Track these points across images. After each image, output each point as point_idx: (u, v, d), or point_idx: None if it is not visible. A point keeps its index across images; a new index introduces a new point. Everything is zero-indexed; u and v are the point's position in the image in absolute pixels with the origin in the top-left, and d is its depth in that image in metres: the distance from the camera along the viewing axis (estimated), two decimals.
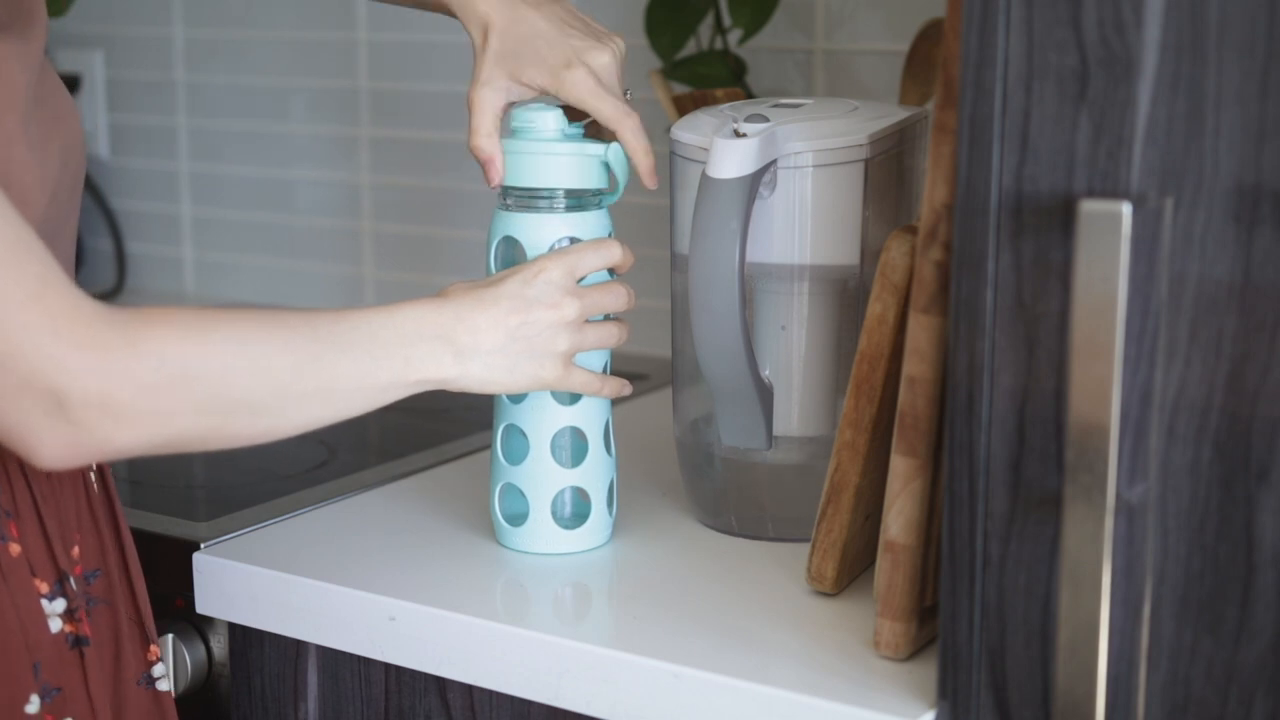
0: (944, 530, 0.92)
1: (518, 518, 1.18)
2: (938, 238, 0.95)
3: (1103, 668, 0.86)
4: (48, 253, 0.91)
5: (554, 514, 1.17)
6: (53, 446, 0.91)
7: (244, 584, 1.17)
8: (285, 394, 0.98)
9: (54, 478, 1.03)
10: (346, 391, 1.01)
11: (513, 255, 1.15)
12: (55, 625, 1.01)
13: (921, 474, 0.98)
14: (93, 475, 1.08)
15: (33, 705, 0.99)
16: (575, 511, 1.20)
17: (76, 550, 1.04)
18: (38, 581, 1.01)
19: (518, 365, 1.08)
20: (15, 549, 1.00)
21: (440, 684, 1.12)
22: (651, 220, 1.60)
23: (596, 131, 1.18)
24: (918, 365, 0.97)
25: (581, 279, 1.11)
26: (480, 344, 1.06)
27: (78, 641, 1.02)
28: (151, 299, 2.07)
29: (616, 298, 1.13)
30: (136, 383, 0.91)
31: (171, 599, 1.22)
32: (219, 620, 1.20)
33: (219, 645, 1.21)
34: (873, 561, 1.07)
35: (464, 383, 1.06)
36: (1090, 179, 0.85)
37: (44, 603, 1.01)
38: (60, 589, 1.02)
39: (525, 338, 1.08)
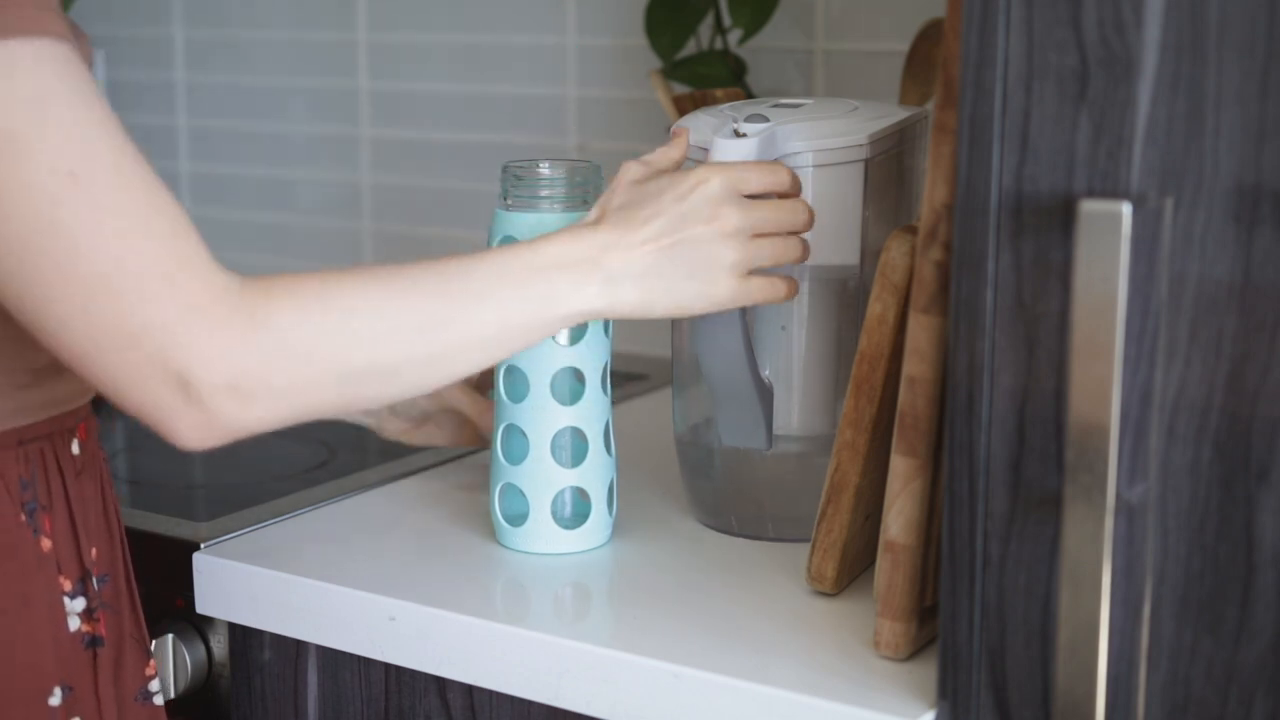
0: (944, 530, 0.92)
1: (518, 518, 1.18)
2: (938, 238, 0.95)
3: (1103, 668, 0.86)
4: (189, 225, 0.91)
5: (554, 514, 1.17)
6: (188, 428, 0.90)
7: (244, 584, 1.17)
8: (415, 357, 0.96)
9: (82, 478, 1.04)
10: (483, 341, 0.98)
11: None
12: (74, 624, 1.02)
13: (921, 474, 0.98)
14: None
15: (55, 698, 1.00)
16: (575, 511, 1.20)
17: (94, 552, 1.04)
18: (62, 579, 1.01)
19: (677, 285, 1.03)
20: (46, 544, 1.00)
21: (440, 684, 1.12)
22: None
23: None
24: (918, 365, 0.97)
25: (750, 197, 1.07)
26: (630, 267, 1.02)
27: (93, 642, 1.03)
28: None
29: (796, 213, 1.08)
30: (264, 364, 0.90)
31: (171, 599, 1.22)
32: (219, 620, 1.20)
33: (219, 645, 1.21)
34: (873, 561, 1.07)
35: (619, 310, 1.02)
36: (1090, 179, 0.85)
37: (66, 600, 1.01)
38: (82, 588, 1.02)
39: (683, 255, 1.02)
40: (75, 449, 1.04)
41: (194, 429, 0.90)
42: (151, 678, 1.09)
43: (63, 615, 1.01)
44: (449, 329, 0.97)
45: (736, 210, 1.04)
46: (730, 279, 1.05)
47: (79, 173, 0.87)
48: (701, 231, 1.03)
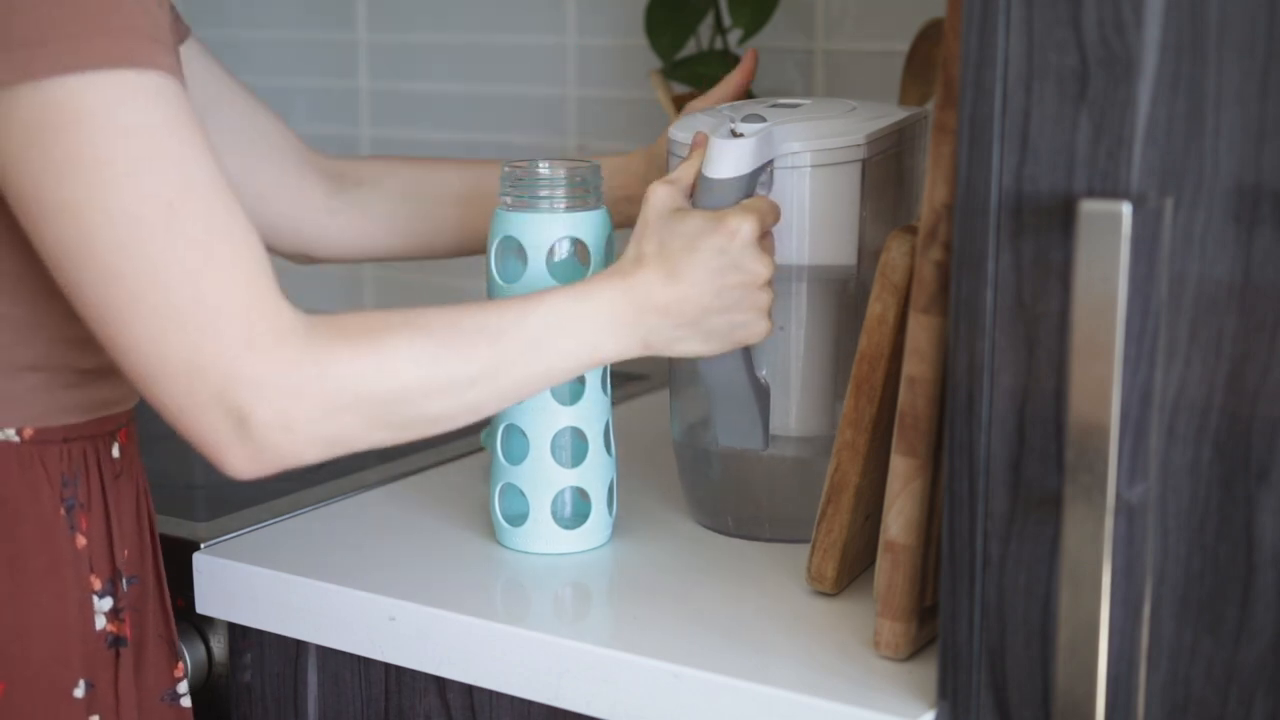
0: (944, 530, 0.92)
1: (518, 518, 1.18)
2: (938, 238, 0.95)
3: (1103, 668, 0.86)
4: (266, 261, 0.93)
5: (554, 514, 1.17)
6: (239, 458, 0.92)
7: (244, 584, 1.17)
8: (461, 406, 0.98)
9: (120, 480, 1.06)
10: (526, 387, 1.02)
11: (512, 255, 1.16)
12: (100, 623, 1.03)
13: (921, 474, 0.98)
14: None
15: (80, 690, 1.02)
16: (575, 511, 1.20)
17: (126, 553, 1.06)
18: (93, 577, 1.03)
19: (716, 333, 1.06)
20: (81, 541, 1.02)
21: (440, 684, 1.12)
22: None
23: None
24: (918, 365, 0.97)
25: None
26: (674, 317, 1.05)
27: (116, 641, 1.04)
28: None
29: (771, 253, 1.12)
30: (317, 406, 0.92)
31: (172, 599, 1.22)
32: (219, 620, 1.20)
33: (219, 645, 1.21)
34: (873, 561, 1.07)
35: (653, 351, 1.06)
36: (1090, 179, 0.85)
37: (94, 599, 1.03)
38: (111, 588, 1.04)
39: (724, 308, 1.06)
40: (116, 452, 1.06)
41: (244, 460, 0.93)
42: (180, 679, 1.11)
43: (90, 613, 1.03)
44: (497, 379, 0.99)
45: (768, 258, 1.07)
46: (764, 320, 1.08)
47: (175, 204, 0.90)
48: (743, 281, 1.06)
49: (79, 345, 1.00)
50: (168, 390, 0.91)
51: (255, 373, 0.90)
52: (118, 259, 0.89)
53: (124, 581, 1.05)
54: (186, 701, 1.11)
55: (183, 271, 0.90)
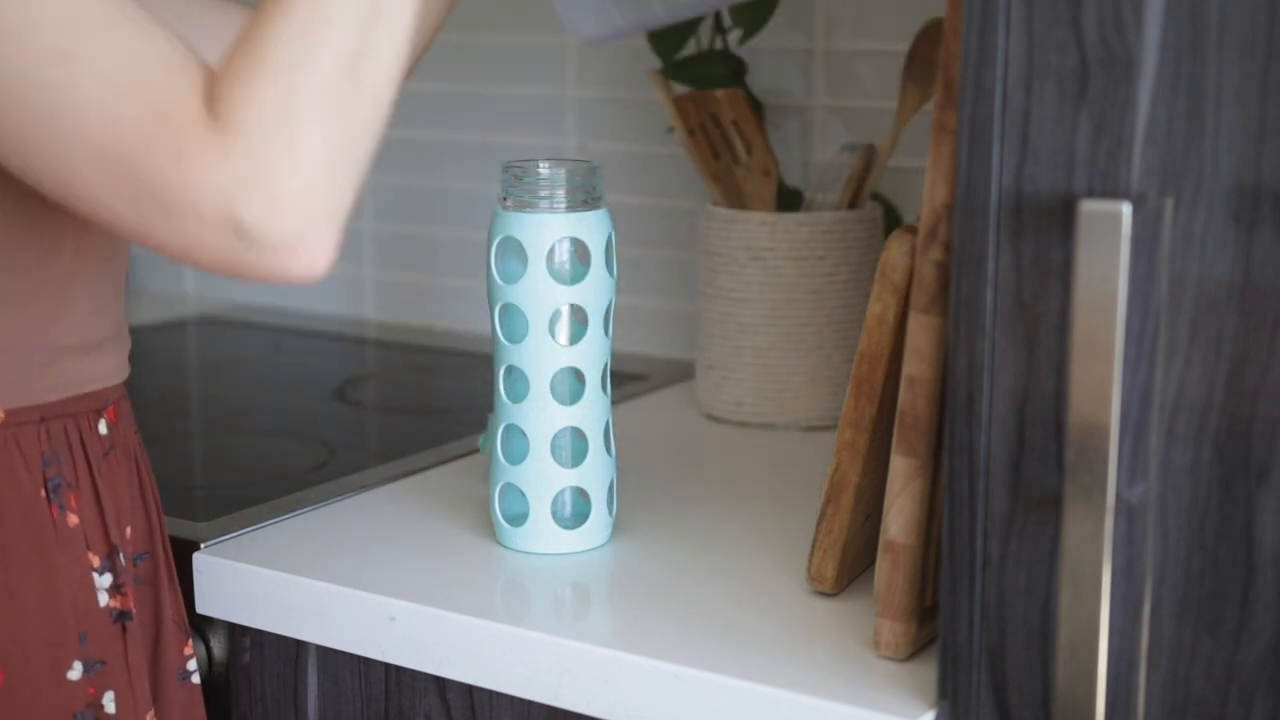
0: (944, 530, 0.92)
1: (518, 518, 1.18)
2: (938, 238, 0.95)
3: (1103, 668, 0.86)
4: (183, 58, 0.86)
5: (554, 514, 1.17)
6: (280, 263, 0.85)
7: (244, 584, 1.17)
8: (365, 24, 0.87)
9: (111, 457, 1.05)
10: None
11: (512, 255, 1.16)
12: (103, 600, 1.03)
13: (921, 474, 0.98)
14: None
15: (75, 672, 1.01)
16: (575, 511, 1.20)
17: (129, 531, 1.06)
18: (90, 555, 1.02)
19: None
20: (73, 519, 1.02)
21: (440, 684, 1.12)
22: (666, 222, 1.59)
23: None
24: (918, 365, 0.97)
25: None
26: None
27: (121, 616, 1.04)
28: (152, 299, 2.07)
29: None
30: (279, 164, 0.84)
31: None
32: (219, 620, 1.20)
33: (219, 645, 1.21)
34: (873, 561, 1.08)
35: None
36: (1090, 179, 0.85)
37: (94, 576, 1.03)
38: (109, 564, 1.04)
39: None
40: (103, 429, 1.05)
41: (288, 259, 0.86)
42: (190, 657, 1.11)
43: (91, 591, 1.02)
44: None
45: None
46: None
47: (71, 49, 0.85)
48: None
49: (51, 321, 0.99)
50: (165, 237, 0.85)
51: (208, 183, 0.83)
52: (44, 123, 0.85)
53: (121, 557, 1.04)
54: (196, 679, 1.11)
55: (104, 113, 0.84)
